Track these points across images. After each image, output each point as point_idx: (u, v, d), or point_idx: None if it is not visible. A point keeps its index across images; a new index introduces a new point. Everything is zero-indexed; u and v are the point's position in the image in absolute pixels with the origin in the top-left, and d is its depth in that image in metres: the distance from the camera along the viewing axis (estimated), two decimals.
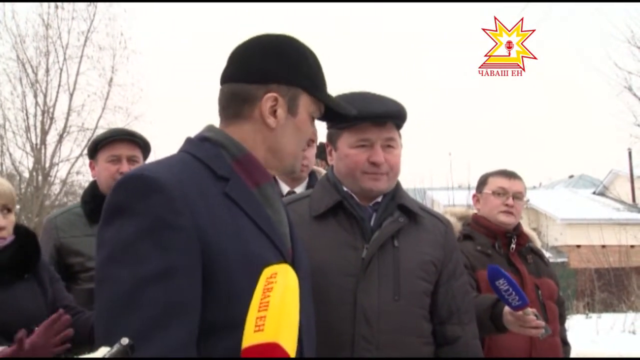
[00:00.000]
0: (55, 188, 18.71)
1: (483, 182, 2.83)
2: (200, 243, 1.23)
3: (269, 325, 1.09)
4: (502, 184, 2.74)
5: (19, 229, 2.22)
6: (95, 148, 2.73)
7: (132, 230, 1.20)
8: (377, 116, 1.88)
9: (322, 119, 1.56)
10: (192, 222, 1.23)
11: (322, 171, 3.12)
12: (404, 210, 1.94)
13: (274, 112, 1.39)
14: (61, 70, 18.20)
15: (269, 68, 1.40)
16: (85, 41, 18.32)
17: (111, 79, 18.51)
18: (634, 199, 24.32)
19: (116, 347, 0.91)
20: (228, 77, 1.44)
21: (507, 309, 2.22)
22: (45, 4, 17.92)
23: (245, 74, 1.41)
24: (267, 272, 1.18)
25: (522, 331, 2.21)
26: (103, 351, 0.91)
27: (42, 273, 2.23)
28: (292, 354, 1.10)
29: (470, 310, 2.02)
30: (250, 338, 1.10)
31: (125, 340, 0.91)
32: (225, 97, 1.43)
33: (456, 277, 1.98)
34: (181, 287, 1.19)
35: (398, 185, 2.00)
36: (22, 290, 2.14)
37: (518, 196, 2.73)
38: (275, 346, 1.07)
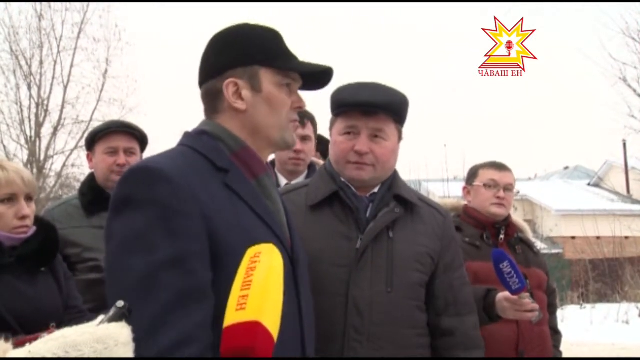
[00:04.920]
0: (50, 181, 18.69)
1: (473, 174, 2.84)
2: (207, 230, 1.25)
3: (251, 304, 1.07)
4: (492, 176, 2.76)
5: (39, 221, 2.18)
6: (93, 140, 2.74)
7: (142, 220, 1.22)
8: (361, 104, 1.88)
9: (307, 88, 1.55)
10: (199, 209, 1.25)
11: (321, 163, 3.12)
12: (401, 200, 1.93)
13: (239, 96, 1.43)
14: (55, 62, 18.21)
15: (222, 59, 1.45)
16: (79, 33, 18.33)
17: (106, 71, 18.54)
18: (628, 190, 24.40)
19: (113, 310, 0.93)
20: (199, 81, 1.51)
21: (500, 296, 2.26)
22: None
23: (206, 72, 1.48)
24: (251, 251, 1.17)
25: (518, 316, 2.24)
26: (101, 317, 0.93)
27: (58, 268, 2.20)
28: (275, 334, 1.08)
29: (470, 301, 2.00)
30: (231, 317, 1.08)
31: (120, 303, 0.93)
32: (202, 99, 1.50)
33: (454, 269, 1.96)
34: (195, 272, 1.21)
35: (396, 175, 1.99)
36: (41, 284, 2.09)
37: (508, 188, 2.76)
38: (256, 324, 1.05)
